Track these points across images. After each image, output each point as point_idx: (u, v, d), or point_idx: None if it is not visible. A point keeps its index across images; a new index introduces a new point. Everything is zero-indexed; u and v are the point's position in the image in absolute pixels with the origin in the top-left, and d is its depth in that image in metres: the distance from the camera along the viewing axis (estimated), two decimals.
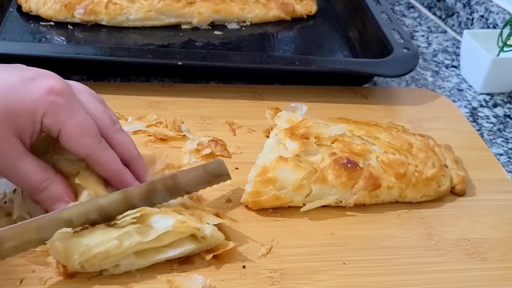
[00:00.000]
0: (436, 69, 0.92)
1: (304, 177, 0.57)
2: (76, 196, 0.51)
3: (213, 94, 0.75)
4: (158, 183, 0.52)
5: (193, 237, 0.51)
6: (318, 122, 0.64)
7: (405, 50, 0.80)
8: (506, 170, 0.69)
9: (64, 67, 0.71)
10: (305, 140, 0.59)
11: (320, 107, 0.75)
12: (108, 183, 0.53)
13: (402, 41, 0.83)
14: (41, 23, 0.86)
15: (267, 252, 0.54)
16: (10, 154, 0.48)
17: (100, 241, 0.47)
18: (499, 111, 0.83)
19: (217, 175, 0.56)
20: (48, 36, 0.84)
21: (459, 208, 0.63)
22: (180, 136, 0.66)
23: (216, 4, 0.90)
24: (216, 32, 0.90)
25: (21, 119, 0.47)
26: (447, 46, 0.99)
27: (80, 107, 0.50)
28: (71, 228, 0.46)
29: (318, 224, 0.58)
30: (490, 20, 0.95)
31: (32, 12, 0.86)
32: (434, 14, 1.09)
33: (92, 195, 0.50)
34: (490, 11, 0.95)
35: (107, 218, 0.49)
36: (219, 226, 0.52)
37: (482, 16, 0.97)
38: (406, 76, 0.87)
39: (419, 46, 0.98)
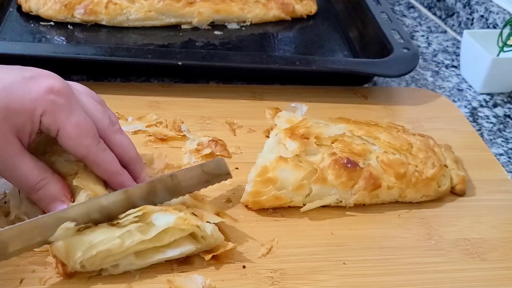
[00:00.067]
0: (436, 69, 0.92)
1: (304, 177, 0.57)
2: (73, 196, 0.51)
3: (213, 94, 0.75)
4: (158, 182, 0.53)
5: (193, 237, 0.51)
6: (318, 122, 0.64)
7: (405, 50, 0.80)
8: (506, 170, 0.69)
9: (64, 67, 0.71)
10: (305, 140, 0.59)
11: (320, 107, 0.75)
12: (108, 184, 0.53)
13: (402, 41, 0.82)
14: (41, 23, 0.86)
15: (267, 252, 0.54)
16: (8, 153, 0.48)
17: (102, 239, 0.47)
18: (499, 111, 0.83)
19: (216, 174, 0.56)
20: (48, 36, 0.84)
21: (459, 208, 0.63)
22: (180, 136, 0.66)
23: (216, 4, 0.90)
24: (216, 32, 0.90)
25: (20, 118, 0.47)
26: (447, 46, 0.99)
27: (80, 107, 0.50)
28: (74, 223, 0.47)
29: (318, 224, 0.58)
30: (490, 20, 0.95)
31: (32, 12, 0.86)
32: (434, 14, 1.09)
33: (91, 195, 0.50)
34: (490, 11, 0.95)
35: (109, 218, 0.49)
36: (219, 227, 0.52)
37: (482, 16, 0.97)
38: (406, 76, 0.87)
39: (419, 46, 0.98)
